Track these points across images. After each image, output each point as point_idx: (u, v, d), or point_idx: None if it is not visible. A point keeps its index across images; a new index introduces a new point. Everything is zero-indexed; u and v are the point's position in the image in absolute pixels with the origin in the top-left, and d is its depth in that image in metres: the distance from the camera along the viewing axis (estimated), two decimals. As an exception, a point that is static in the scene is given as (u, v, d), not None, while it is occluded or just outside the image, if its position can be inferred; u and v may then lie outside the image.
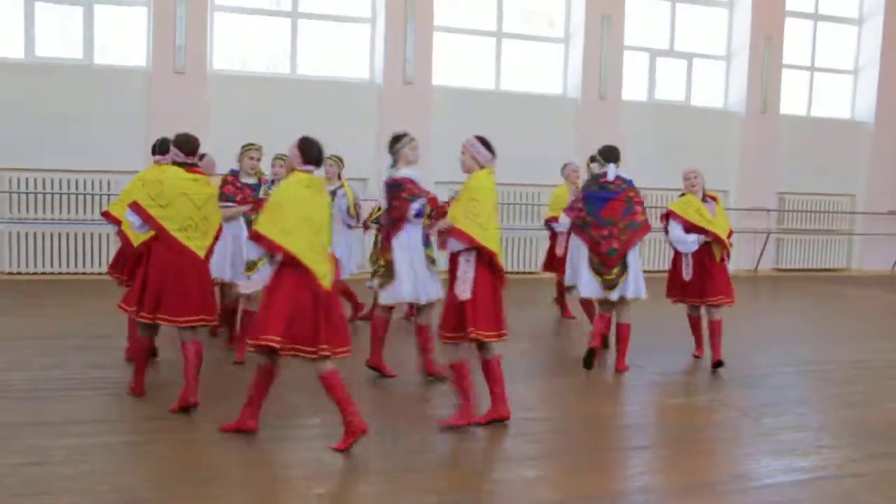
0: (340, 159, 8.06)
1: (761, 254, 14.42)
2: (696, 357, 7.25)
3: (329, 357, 4.55)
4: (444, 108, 12.07)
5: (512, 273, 12.88)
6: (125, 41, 11.56)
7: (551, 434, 5.26)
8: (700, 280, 6.84)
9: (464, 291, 4.93)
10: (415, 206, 5.95)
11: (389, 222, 6.08)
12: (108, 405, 5.40)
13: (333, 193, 7.92)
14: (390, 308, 6.25)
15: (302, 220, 4.54)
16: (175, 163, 5.39)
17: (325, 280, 4.56)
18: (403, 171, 6.05)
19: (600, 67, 13.25)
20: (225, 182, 6.71)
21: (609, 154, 6.68)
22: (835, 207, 15.22)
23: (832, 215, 15.21)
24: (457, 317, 5.00)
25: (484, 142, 5.12)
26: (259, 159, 6.81)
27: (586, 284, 6.70)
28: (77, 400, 5.46)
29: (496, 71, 13.20)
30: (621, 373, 6.69)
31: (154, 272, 5.22)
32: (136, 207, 5.26)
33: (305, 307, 4.50)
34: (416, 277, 6.07)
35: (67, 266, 11.03)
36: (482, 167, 5.08)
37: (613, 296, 6.59)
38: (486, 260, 5.00)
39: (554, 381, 6.68)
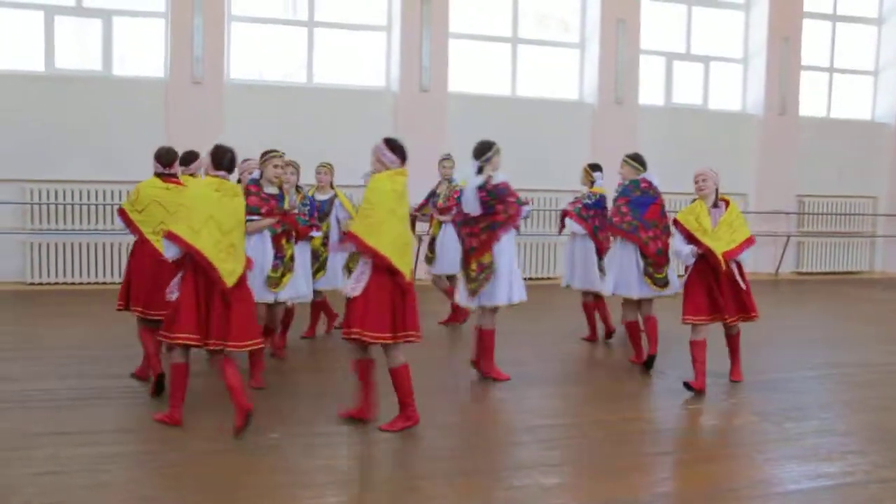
0: (332, 167, 7.90)
1: (781, 257, 14.27)
2: (689, 387, 6.20)
3: (223, 350, 4.88)
4: (460, 115, 12.04)
5: (530, 279, 12.85)
6: (143, 52, 11.66)
7: (571, 441, 5.20)
8: (704, 295, 6.18)
9: (353, 289, 4.94)
10: (526, 209, 6.34)
11: (489, 227, 6.11)
12: (126, 415, 5.42)
13: (330, 203, 7.77)
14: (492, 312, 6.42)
15: (209, 219, 4.87)
16: (155, 173, 6.00)
17: (230, 278, 4.88)
18: (500, 176, 6.18)
19: (616, 72, 13.18)
20: (248, 193, 6.17)
21: (642, 160, 7.12)
22: (856, 210, 15.06)
23: (853, 217, 15.05)
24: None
25: (391, 144, 5.10)
26: (282, 167, 6.38)
27: (638, 288, 6.92)
28: (96, 409, 5.48)
29: (512, 77, 13.18)
30: (651, 361, 6.89)
31: (135, 270, 5.90)
32: (120, 212, 6.01)
33: (205, 303, 4.86)
34: (511, 281, 6.28)
35: (87, 276, 11.10)
36: (388, 169, 5.07)
37: (666, 293, 6.92)
38: (380, 264, 4.92)
39: (573, 388, 6.64)
